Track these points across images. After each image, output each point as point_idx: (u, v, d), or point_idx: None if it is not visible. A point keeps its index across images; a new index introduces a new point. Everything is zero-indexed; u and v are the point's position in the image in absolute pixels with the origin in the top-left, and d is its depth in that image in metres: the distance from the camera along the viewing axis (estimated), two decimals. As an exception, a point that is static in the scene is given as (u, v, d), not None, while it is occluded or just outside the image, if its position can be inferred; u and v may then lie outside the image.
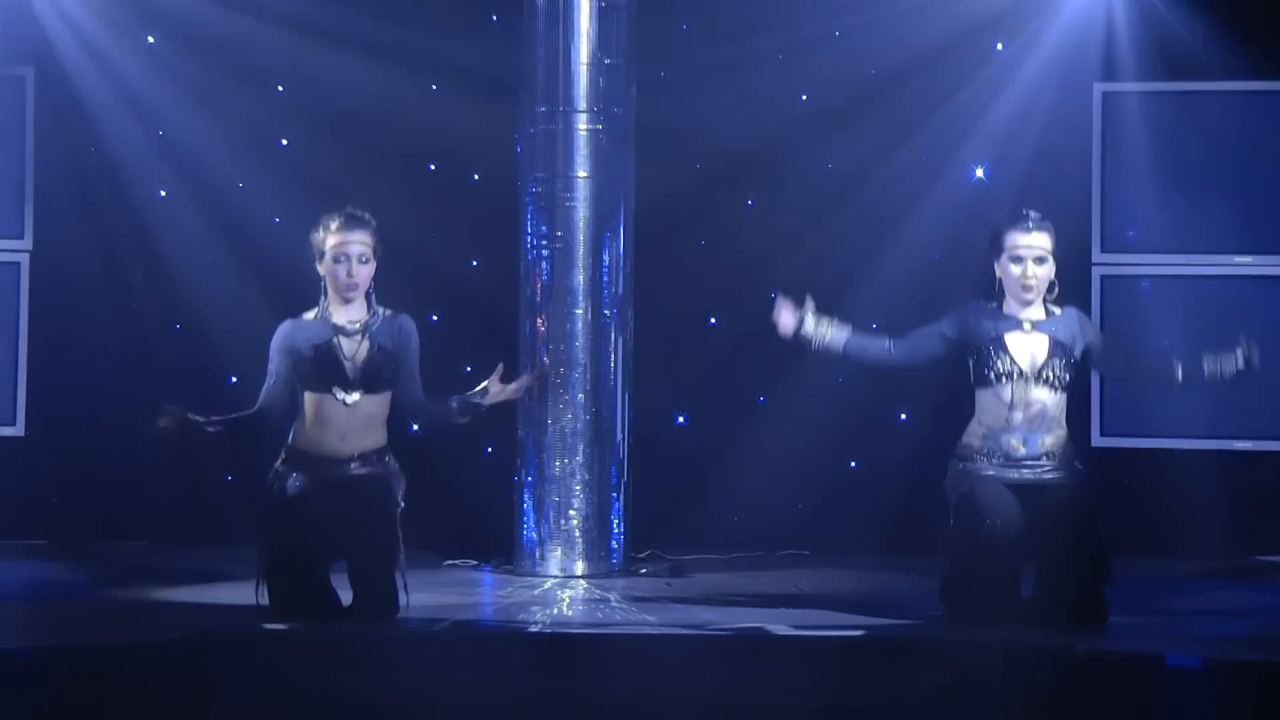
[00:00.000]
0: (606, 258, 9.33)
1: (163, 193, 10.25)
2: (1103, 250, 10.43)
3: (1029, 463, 7.71)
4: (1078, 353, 7.78)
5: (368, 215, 7.86)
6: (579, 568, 9.26)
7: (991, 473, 7.73)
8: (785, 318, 7.76)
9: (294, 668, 7.03)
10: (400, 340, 7.88)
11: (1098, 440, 10.13)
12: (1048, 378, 7.69)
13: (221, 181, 10.24)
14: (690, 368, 10.46)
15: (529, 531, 9.34)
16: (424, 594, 8.06)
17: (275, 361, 7.86)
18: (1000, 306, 7.80)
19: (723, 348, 10.52)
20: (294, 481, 7.71)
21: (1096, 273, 10.39)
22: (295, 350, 7.80)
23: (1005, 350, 7.71)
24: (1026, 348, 7.72)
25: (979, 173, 10.45)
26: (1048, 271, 7.74)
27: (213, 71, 10.20)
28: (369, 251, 7.81)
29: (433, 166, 10.32)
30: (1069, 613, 7.52)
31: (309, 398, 7.82)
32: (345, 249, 7.79)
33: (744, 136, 10.45)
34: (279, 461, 7.82)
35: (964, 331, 7.74)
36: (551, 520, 9.29)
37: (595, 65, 9.31)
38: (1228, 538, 10.19)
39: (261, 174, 10.17)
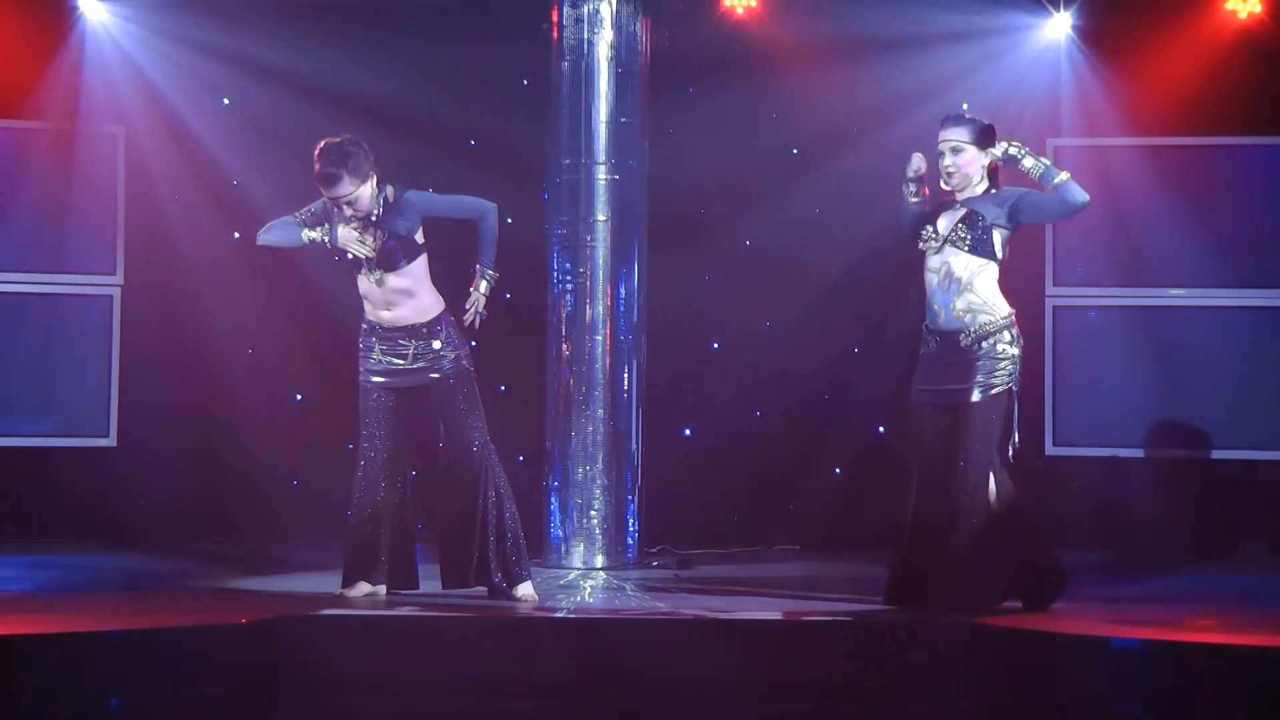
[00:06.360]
0: (623, 291, 9.35)
1: (236, 234, 10.24)
2: (1054, 284, 10.44)
3: None
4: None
5: (339, 156, 7.47)
6: (599, 561, 9.28)
7: None
8: None
9: (349, 648, 7.01)
10: (409, 219, 7.62)
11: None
12: None
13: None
14: (696, 387, 10.47)
15: (555, 530, 9.34)
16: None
17: (315, 211, 7.70)
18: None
19: (724, 369, 10.55)
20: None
21: (1049, 304, 10.44)
22: (328, 229, 7.64)
23: None
24: None
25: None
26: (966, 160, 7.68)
27: (278, 132, 10.15)
28: (354, 189, 7.49)
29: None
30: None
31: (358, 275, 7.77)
32: (337, 202, 7.57)
33: (742, 185, 10.52)
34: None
35: None
36: (575, 520, 9.30)
37: (613, 123, 9.35)
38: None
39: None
